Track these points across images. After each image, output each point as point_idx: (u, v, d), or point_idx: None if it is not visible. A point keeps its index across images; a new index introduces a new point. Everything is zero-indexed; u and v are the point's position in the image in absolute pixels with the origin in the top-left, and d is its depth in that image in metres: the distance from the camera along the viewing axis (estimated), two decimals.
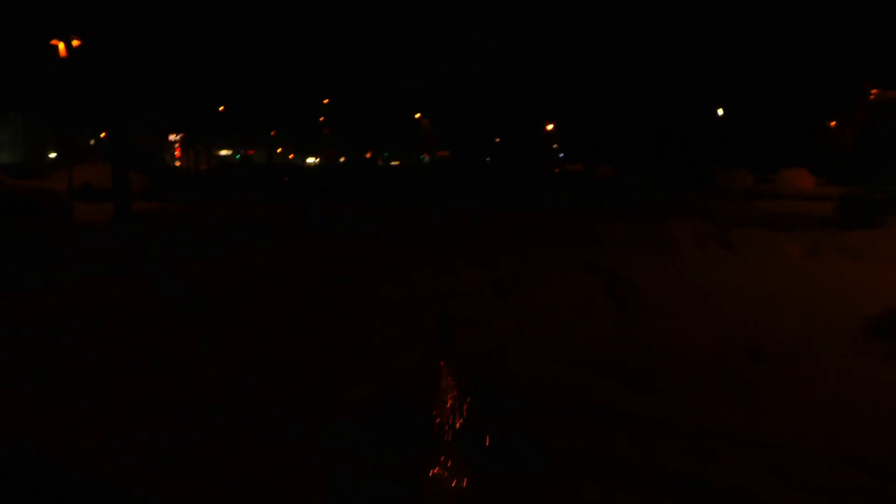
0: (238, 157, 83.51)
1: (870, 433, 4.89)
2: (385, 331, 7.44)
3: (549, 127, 69.32)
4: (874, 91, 34.55)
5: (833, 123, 46.24)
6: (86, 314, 7.87)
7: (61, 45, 21.15)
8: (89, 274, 9.85)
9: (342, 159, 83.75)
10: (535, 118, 67.11)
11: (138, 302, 8.54)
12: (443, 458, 4.40)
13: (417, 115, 77.51)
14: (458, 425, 4.82)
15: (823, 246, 13.23)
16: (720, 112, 55.53)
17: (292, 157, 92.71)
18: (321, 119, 70.81)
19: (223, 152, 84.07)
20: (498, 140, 77.12)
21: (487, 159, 72.04)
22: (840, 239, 13.69)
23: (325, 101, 63.19)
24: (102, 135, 49.97)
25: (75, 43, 21.54)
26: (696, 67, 51.45)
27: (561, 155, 77.31)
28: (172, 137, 64.15)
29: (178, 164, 61.73)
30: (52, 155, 52.69)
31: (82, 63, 23.87)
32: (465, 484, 4.17)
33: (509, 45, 58.45)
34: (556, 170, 58.42)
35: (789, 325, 7.94)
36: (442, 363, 5.90)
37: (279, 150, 79.62)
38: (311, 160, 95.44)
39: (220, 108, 55.80)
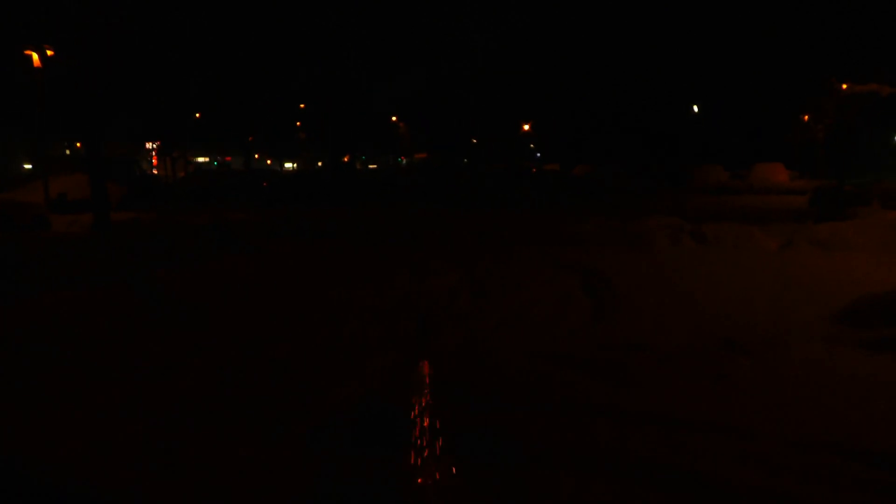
0: (215, 163, 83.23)
1: (841, 418, 5.02)
2: (365, 332, 7.51)
3: (526, 127, 69.58)
4: (844, 86, 35.04)
5: (806, 118, 46.79)
6: (68, 323, 7.90)
7: (35, 56, 20.99)
8: (70, 285, 9.87)
9: (319, 164, 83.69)
10: (513, 119, 67.36)
11: (120, 310, 8.57)
12: (424, 454, 4.48)
13: (394, 119, 77.56)
14: (438, 422, 4.90)
15: (797, 238, 13.47)
16: (695, 109, 55.98)
17: (270, 163, 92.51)
18: (298, 123, 70.69)
19: (200, 159, 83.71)
20: (475, 141, 77.30)
21: (465, 161, 72.18)
22: (813, 231, 13.95)
23: (302, 105, 63.05)
24: (78, 145, 49.70)
25: (49, 53, 21.40)
26: (672, 66, 51.89)
27: (538, 155, 77.66)
28: (149, 145, 63.80)
29: (154, 172, 61.36)
30: (27, 166, 52.20)
31: (57, 73, 23.72)
32: (446, 479, 4.25)
33: (489, 48, 58.57)
34: (534, 169, 58.65)
35: (763, 315, 8.11)
36: (421, 362, 5.98)
37: (256, 156, 79.37)
38: (288, 165, 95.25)
39: (197, 115, 55.53)
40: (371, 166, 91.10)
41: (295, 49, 47.39)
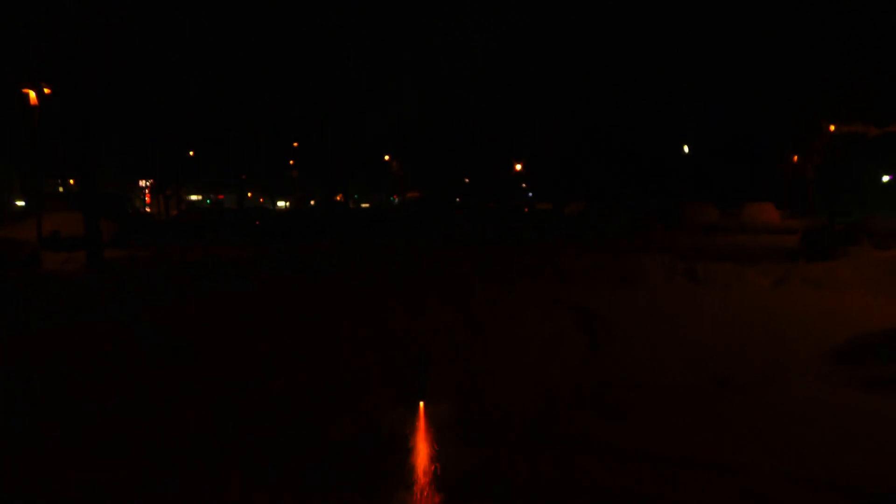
0: (208, 202, 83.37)
1: (838, 457, 5.02)
2: (360, 368, 7.48)
3: (518, 167, 70.01)
4: (831, 127, 35.45)
5: (795, 158, 47.24)
6: (62, 360, 7.85)
7: (32, 94, 21.04)
8: (63, 323, 9.84)
9: (312, 202, 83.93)
10: (504, 157, 67.73)
11: (115, 347, 8.53)
12: (422, 491, 4.46)
13: (387, 158, 77.96)
14: (433, 460, 4.88)
15: (789, 277, 13.54)
16: (686, 149, 56.44)
17: (262, 201, 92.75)
18: (291, 162, 70.98)
19: (193, 197, 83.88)
20: (467, 180, 77.72)
21: (457, 199, 72.52)
22: (805, 270, 14.02)
23: (295, 144, 63.32)
24: (71, 182, 49.70)
25: (46, 91, 21.48)
26: (664, 104, 52.38)
27: (530, 195, 78.08)
28: (142, 183, 63.99)
29: (148, 210, 61.41)
30: (20, 203, 52.17)
31: (52, 110, 23.75)
32: None
33: (481, 69, 58.85)
34: (526, 209, 58.99)
35: (758, 353, 8.12)
36: (419, 399, 5.97)
37: (249, 195, 79.58)
38: (281, 203, 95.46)
39: (190, 153, 55.70)
40: (364, 205, 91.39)
41: (293, 49, 47.12)
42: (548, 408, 6.13)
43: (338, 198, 68.56)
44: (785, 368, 7.40)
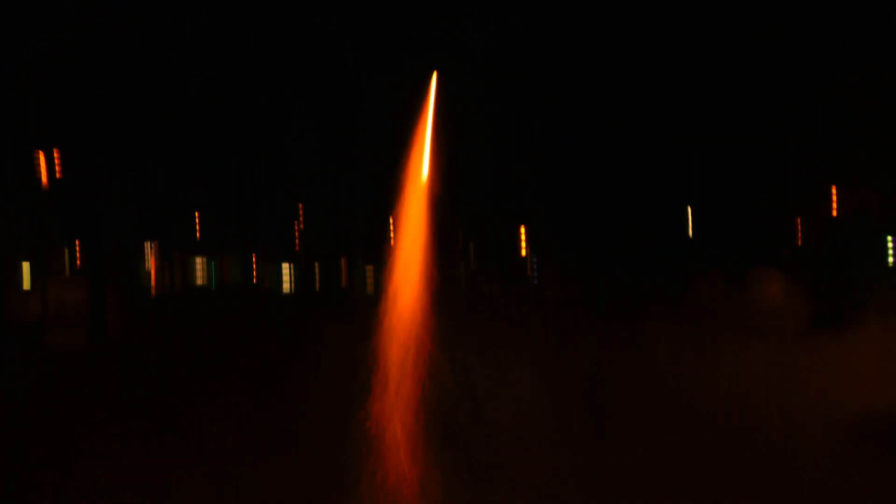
0: (213, 266, 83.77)
1: None
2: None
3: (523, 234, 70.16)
4: (835, 192, 35.68)
5: (799, 223, 47.36)
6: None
7: (43, 173, 21.22)
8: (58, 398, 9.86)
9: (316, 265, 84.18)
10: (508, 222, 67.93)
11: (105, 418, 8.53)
12: None
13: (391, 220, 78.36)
14: None
15: (796, 348, 13.37)
16: (689, 212, 56.73)
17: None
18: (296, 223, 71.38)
19: (198, 261, 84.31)
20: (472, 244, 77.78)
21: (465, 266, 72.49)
22: (813, 341, 13.86)
23: (300, 206, 63.79)
24: (77, 249, 49.91)
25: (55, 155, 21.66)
26: (665, 169, 52.80)
27: (535, 262, 78.07)
28: (147, 247, 64.41)
29: (153, 278, 61.68)
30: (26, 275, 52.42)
31: (56, 177, 23.91)
32: None
33: (482, 69, 59.01)
34: (532, 274, 58.97)
35: (769, 429, 7.99)
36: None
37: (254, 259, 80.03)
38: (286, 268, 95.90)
39: (195, 214, 56.09)
40: (368, 267, 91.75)
41: (293, 50, 47.29)
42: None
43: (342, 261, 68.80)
44: (794, 443, 7.27)
